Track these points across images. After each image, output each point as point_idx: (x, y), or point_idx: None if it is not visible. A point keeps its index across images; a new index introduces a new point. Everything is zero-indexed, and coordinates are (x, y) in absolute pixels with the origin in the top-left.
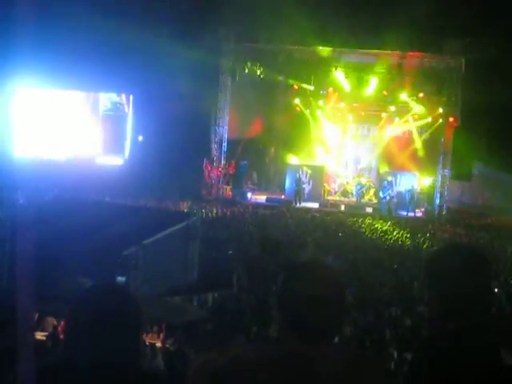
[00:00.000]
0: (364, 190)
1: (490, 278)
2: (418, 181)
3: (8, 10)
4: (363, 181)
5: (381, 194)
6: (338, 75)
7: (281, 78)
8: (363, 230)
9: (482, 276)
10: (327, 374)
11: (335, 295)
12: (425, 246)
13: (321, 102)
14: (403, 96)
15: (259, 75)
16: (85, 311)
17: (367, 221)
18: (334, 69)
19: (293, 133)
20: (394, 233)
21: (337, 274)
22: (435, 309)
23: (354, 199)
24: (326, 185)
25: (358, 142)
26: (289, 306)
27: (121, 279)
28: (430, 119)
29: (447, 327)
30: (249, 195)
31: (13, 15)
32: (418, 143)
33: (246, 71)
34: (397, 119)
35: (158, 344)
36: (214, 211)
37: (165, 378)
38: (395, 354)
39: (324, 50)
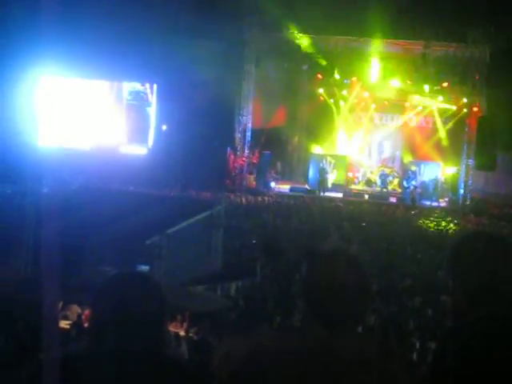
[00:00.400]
0: (389, 178)
1: None
2: (441, 170)
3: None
4: (387, 170)
5: (405, 184)
6: (362, 65)
7: (304, 67)
8: (387, 219)
9: (507, 264)
10: (351, 363)
11: (359, 284)
12: (448, 235)
13: (344, 92)
14: (427, 86)
15: (283, 64)
16: (109, 299)
17: (391, 210)
18: (357, 58)
19: (316, 122)
20: (418, 223)
21: (361, 262)
22: (459, 298)
23: (378, 189)
24: (349, 174)
25: (382, 131)
26: (313, 295)
27: (144, 268)
28: (454, 108)
29: (471, 316)
30: (272, 185)
31: (37, 4)
32: (442, 133)
33: (270, 60)
34: (421, 108)
35: (182, 333)
36: (238, 200)
37: (189, 365)
38: (417, 344)
39: (347, 40)
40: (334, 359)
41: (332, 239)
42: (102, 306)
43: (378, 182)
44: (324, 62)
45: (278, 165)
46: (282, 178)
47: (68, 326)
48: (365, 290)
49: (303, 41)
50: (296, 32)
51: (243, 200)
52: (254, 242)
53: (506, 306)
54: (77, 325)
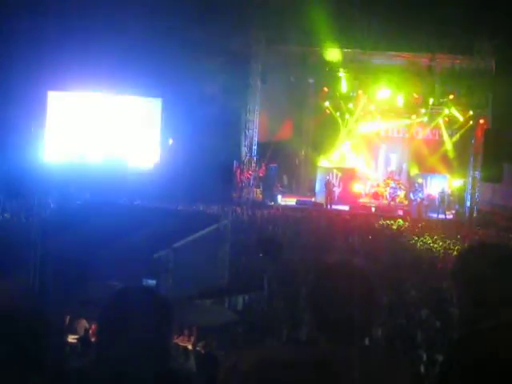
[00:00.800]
0: (397, 192)
1: None
2: (448, 183)
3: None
4: (395, 183)
5: (411, 196)
6: (368, 78)
7: (311, 80)
8: (394, 232)
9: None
10: (357, 376)
11: (365, 296)
12: (456, 248)
13: (350, 105)
14: (433, 98)
15: (289, 78)
16: (115, 314)
17: (398, 223)
18: (363, 71)
19: (323, 135)
20: (425, 236)
21: (366, 274)
22: (465, 309)
23: (385, 201)
24: (356, 187)
25: (388, 143)
26: (318, 307)
27: (151, 282)
28: (460, 120)
29: (477, 327)
30: (279, 198)
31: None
32: (449, 145)
33: (276, 74)
34: (427, 121)
35: (189, 347)
36: (245, 214)
37: (196, 379)
38: (424, 356)
39: (353, 53)
40: (339, 372)
41: (338, 252)
42: (108, 320)
43: (387, 195)
44: (330, 75)
45: (285, 178)
46: (289, 191)
47: (75, 341)
48: (371, 303)
49: (309, 54)
50: (302, 45)
51: (250, 213)
52: (260, 255)
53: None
54: (84, 339)
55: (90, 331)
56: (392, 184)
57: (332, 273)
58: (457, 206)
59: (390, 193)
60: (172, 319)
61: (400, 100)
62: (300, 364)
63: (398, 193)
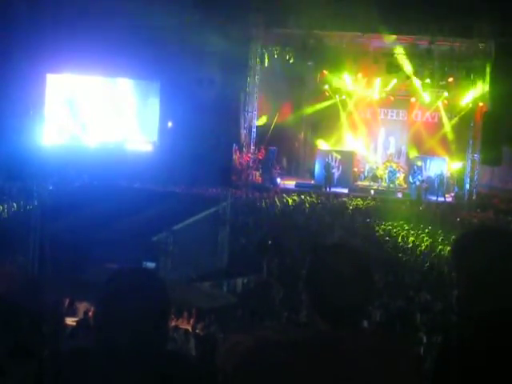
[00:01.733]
0: (397, 175)
1: None
2: (447, 165)
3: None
4: (394, 166)
5: (410, 179)
6: (368, 61)
7: (310, 63)
8: (393, 215)
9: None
10: (354, 358)
11: (362, 277)
12: (454, 230)
13: (350, 88)
14: (432, 81)
15: (288, 60)
16: (112, 295)
17: (397, 206)
18: (363, 54)
19: (322, 118)
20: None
21: (363, 255)
22: (464, 291)
23: (384, 184)
24: (355, 169)
25: (388, 126)
26: (315, 288)
27: (151, 265)
28: (459, 103)
29: (476, 310)
30: (278, 181)
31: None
32: (448, 128)
33: (275, 57)
34: (426, 104)
35: (189, 329)
36: (244, 196)
37: (193, 360)
38: (424, 339)
39: (353, 36)
40: (336, 354)
41: (336, 234)
42: (105, 301)
43: (386, 177)
44: (329, 58)
45: (284, 161)
46: (288, 173)
47: (74, 323)
48: (367, 283)
49: (308, 37)
50: (301, 28)
51: (249, 196)
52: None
53: (510, 299)
54: (83, 321)
55: (90, 314)
56: (391, 167)
57: (329, 254)
58: (456, 189)
59: (388, 175)
60: (169, 300)
61: (399, 83)
62: (297, 345)
63: (397, 175)
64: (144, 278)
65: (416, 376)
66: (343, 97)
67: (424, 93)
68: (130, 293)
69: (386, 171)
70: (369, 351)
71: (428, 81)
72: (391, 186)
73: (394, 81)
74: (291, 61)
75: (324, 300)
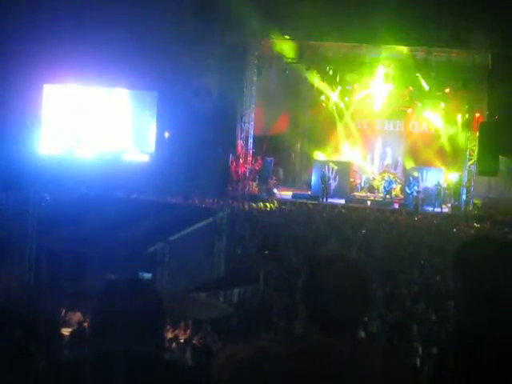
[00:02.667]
0: (393, 186)
1: None
2: (444, 176)
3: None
4: (391, 176)
5: (407, 190)
6: (364, 71)
7: (307, 74)
8: (390, 225)
9: (510, 269)
10: (351, 369)
11: (357, 288)
12: (451, 241)
13: (346, 98)
14: (429, 91)
15: (285, 71)
16: (107, 305)
17: (394, 217)
18: (360, 65)
19: (319, 129)
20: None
21: (360, 266)
22: (462, 302)
23: (381, 195)
24: (352, 180)
25: (384, 137)
26: (311, 299)
27: (147, 275)
28: (456, 115)
29: (474, 321)
30: (275, 191)
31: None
32: (444, 139)
33: (272, 67)
34: (423, 115)
35: (185, 340)
36: (241, 207)
37: (189, 371)
38: (420, 349)
39: (350, 46)
40: (333, 364)
41: (332, 245)
42: (100, 312)
43: (384, 187)
44: (326, 69)
45: (280, 171)
46: (285, 184)
47: (68, 333)
48: (363, 294)
49: (305, 48)
50: (297, 39)
51: (246, 207)
52: (266, 252)
53: (509, 310)
54: (78, 332)
55: (84, 324)
56: (387, 177)
57: (325, 265)
58: (452, 200)
59: (385, 186)
60: (163, 311)
61: (396, 93)
62: (294, 356)
63: (394, 186)
64: (138, 289)
65: None
66: (342, 107)
67: (421, 104)
68: (124, 304)
69: (383, 182)
70: (365, 362)
71: (426, 90)
72: (388, 196)
73: (391, 91)
74: (287, 71)
75: (320, 311)
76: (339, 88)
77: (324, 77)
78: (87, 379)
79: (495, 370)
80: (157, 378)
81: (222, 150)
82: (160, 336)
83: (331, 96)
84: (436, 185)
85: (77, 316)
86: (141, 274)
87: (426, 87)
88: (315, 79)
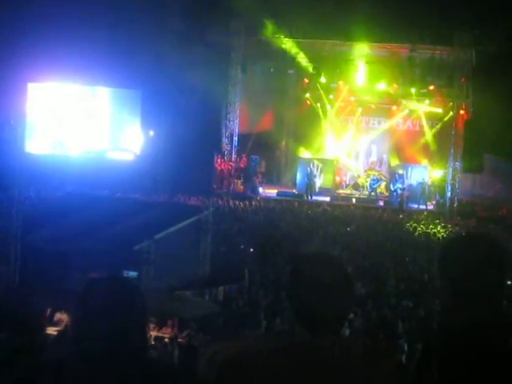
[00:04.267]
0: (379, 183)
1: (504, 268)
2: (429, 173)
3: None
4: (376, 174)
5: (392, 187)
6: (349, 69)
7: (291, 71)
8: (375, 223)
9: (496, 265)
10: (335, 365)
11: (341, 285)
12: (436, 238)
13: (331, 96)
14: (414, 89)
15: (269, 69)
16: (89, 304)
17: (379, 214)
18: (344, 62)
19: (303, 126)
20: (406, 225)
21: (342, 264)
22: (447, 298)
23: (366, 192)
24: (337, 178)
25: (369, 135)
26: (296, 297)
27: (133, 274)
28: (440, 112)
29: (458, 317)
30: (260, 189)
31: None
32: (429, 136)
33: (257, 65)
34: (407, 112)
35: (171, 338)
36: (226, 205)
37: (173, 369)
38: (405, 346)
39: (334, 44)
40: (318, 361)
41: (316, 242)
42: (81, 310)
43: (368, 186)
44: (310, 67)
45: (263, 165)
46: (270, 182)
47: (55, 333)
48: (347, 291)
49: (289, 45)
50: (282, 36)
51: (231, 205)
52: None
53: (493, 306)
54: (64, 331)
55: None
56: (373, 175)
57: (308, 263)
58: (437, 197)
59: (370, 184)
60: (146, 309)
61: (380, 91)
62: (279, 353)
63: (379, 184)
64: (119, 287)
65: (395, 383)
66: (327, 107)
67: (405, 101)
68: (105, 302)
69: (369, 180)
70: (350, 359)
71: (411, 89)
72: (373, 194)
73: (376, 89)
74: (272, 69)
75: (304, 308)
76: (324, 86)
77: (308, 75)
78: (70, 378)
79: (479, 366)
80: (141, 378)
81: (206, 148)
82: (143, 334)
83: (315, 94)
84: (421, 182)
85: (63, 315)
86: (126, 272)
87: (410, 85)
88: (299, 77)
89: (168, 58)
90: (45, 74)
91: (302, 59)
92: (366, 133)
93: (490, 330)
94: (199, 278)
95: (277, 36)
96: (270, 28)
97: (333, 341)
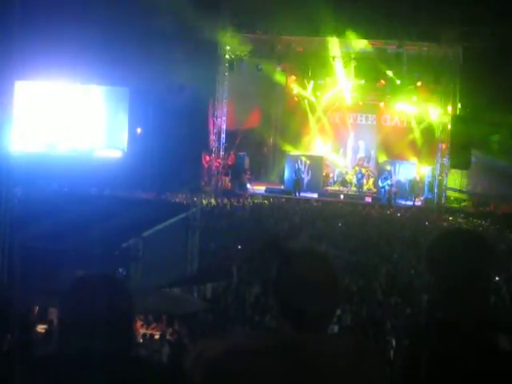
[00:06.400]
0: (364, 179)
1: (492, 264)
2: (416, 170)
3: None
4: (363, 170)
5: (380, 183)
6: (336, 65)
7: (279, 68)
8: (363, 219)
9: (483, 261)
10: (322, 362)
11: (328, 282)
12: (424, 234)
13: (318, 93)
14: (401, 85)
15: (257, 66)
16: (74, 301)
17: (366, 210)
18: (331, 59)
19: (291, 123)
20: (395, 222)
21: (328, 260)
22: (435, 294)
23: (354, 188)
24: (324, 174)
25: (357, 131)
26: (282, 294)
27: (121, 271)
28: (428, 108)
29: (446, 313)
30: (248, 186)
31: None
32: (417, 132)
33: (244, 62)
34: (395, 108)
35: (159, 336)
36: (213, 202)
37: (160, 367)
38: (393, 342)
39: (321, 40)
40: (305, 358)
41: (304, 239)
42: (67, 308)
43: (355, 181)
44: (298, 63)
45: (247, 161)
46: (257, 179)
47: (43, 330)
48: (333, 288)
49: (277, 42)
50: (269, 33)
51: (219, 202)
52: (239, 247)
53: (481, 302)
54: (52, 329)
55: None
56: (361, 171)
57: (295, 259)
58: (425, 193)
59: (359, 178)
60: (133, 306)
61: (368, 87)
62: (267, 351)
63: (366, 180)
64: (106, 285)
65: (383, 379)
66: (315, 101)
67: (393, 97)
68: (91, 299)
69: (356, 175)
70: (336, 355)
71: (398, 84)
72: (360, 190)
73: (363, 85)
74: (260, 66)
75: (291, 305)
76: (311, 82)
77: (295, 71)
78: (58, 376)
79: (467, 361)
80: (128, 375)
81: (194, 145)
82: (130, 332)
83: (303, 90)
84: (409, 178)
85: (51, 313)
86: (115, 269)
87: (398, 81)
88: (287, 74)
89: (156, 56)
90: (32, 72)
91: (290, 56)
92: (353, 129)
93: (478, 325)
94: (187, 275)
95: (264, 33)
96: (257, 25)
97: (320, 338)
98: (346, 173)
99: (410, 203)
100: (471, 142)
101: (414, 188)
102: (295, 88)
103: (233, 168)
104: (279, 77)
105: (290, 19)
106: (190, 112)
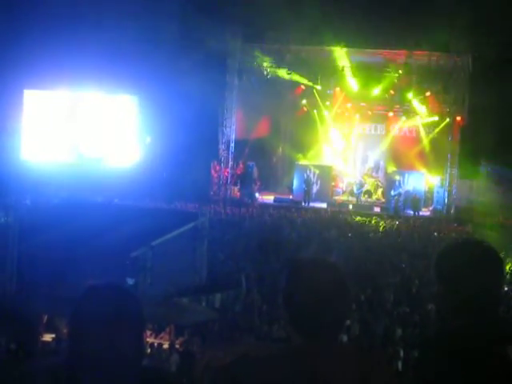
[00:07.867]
0: (364, 188)
1: (501, 274)
2: (425, 180)
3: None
4: (369, 180)
5: (391, 193)
6: (345, 75)
7: (288, 78)
8: (372, 229)
9: (493, 272)
10: (332, 372)
11: (338, 291)
12: (432, 244)
13: (328, 103)
14: (410, 95)
15: (266, 75)
16: (83, 311)
17: (375, 220)
18: (340, 69)
19: (300, 133)
20: (403, 232)
21: (339, 271)
22: (444, 305)
23: (363, 198)
24: (333, 184)
25: (366, 141)
26: (292, 304)
27: (130, 280)
28: (437, 118)
29: (455, 323)
30: (257, 195)
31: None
32: (426, 142)
33: (253, 72)
34: (404, 118)
35: (168, 345)
36: (222, 212)
37: (169, 376)
38: (401, 353)
39: (331, 50)
40: (313, 368)
41: (312, 248)
42: (78, 316)
43: (355, 190)
44: (307, 73)
45: (255, 171)
46: (266, 188)
47: (51, 339)
48: (343, 298)
49: (286, 52)
50: (279, 43)
51: (228, 211)
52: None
53: (489, 312)
54: (60, 338)
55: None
56: (357, 181)
57: (305, 269)
58: (434, 203)
59: (356, 189)
60: (143, 316)
61: (377, 97)
62: (274, 361)
63: (362, 190)
64: (117, 295)
65: None
66: (324, 111)
67: (402, 107)
68: (102, 309)
69: (355, 186)
70: (347, 366)
71: (407, 94)
72: (358, 200)
73: (372, 95)
74: (269, 76)
75: (300, 315)
76: (320, 92)
77: (305, 81)
78: None
79: (476, 372)
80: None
81: (203, 154)
82: (140, 342)
83: (312, 100)
84: (418, 188)
85: (59, 322)
86: (124, 279)
87: (407, 91)
88: (296, 84)
89: (165, 65)
90: (41, 80)
91: (299, 66)
92: (362, 139)
93: (486, 336)
94: (196, 285)
95: (274, 43)
96: (267, 35)
97: (329, 348)
98: (355, 183)
99: (420, 213)
100: (480, 152)
101: (422, 198)
102: (304, 98)
103: (242, 177)
104: (288, 86)
105: (298, 29)
106: (199, 121)
